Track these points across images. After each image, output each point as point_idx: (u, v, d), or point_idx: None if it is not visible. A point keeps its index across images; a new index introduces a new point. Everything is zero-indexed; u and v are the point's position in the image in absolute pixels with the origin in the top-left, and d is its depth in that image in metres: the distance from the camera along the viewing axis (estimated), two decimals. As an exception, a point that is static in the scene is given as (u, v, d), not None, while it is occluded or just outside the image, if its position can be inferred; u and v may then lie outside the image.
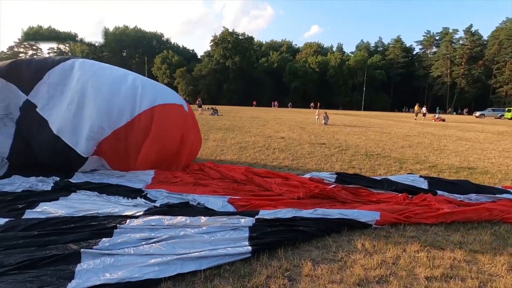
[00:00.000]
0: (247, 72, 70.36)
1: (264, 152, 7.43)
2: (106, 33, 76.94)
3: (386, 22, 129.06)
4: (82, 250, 2.25)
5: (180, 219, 2.82)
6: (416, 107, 29.85)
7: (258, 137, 10.37)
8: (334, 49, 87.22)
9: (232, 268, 2.22)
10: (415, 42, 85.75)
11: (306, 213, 3.05)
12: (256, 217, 2.94)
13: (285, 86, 73.79)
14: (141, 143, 4.46)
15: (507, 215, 3.24)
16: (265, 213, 3.04)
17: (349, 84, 75.95)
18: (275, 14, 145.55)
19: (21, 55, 72.61)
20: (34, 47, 74.32)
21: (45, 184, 3.80)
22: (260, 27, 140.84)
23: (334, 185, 4.00)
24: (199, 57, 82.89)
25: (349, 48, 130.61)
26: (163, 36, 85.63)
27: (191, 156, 5.44)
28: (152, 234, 2.57)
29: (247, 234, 2.60)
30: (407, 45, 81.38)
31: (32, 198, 3.34)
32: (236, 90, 68.50)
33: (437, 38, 77.43)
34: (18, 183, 3.75)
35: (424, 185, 4.02)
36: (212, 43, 71.70)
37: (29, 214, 2.97)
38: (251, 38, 74.51)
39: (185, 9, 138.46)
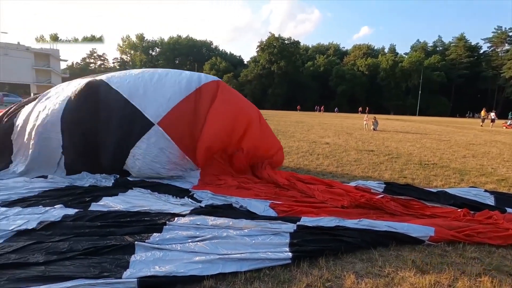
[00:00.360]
0: (292, 76, 70.09)
1: (307, 157, 7.32)
2: (162, 42, 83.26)
3: (446, 19, 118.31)
4: (136, 242, 2.47)
5: (223, 220, 2.93)
6: (482, 112, 26.58)
7: (302, 142, 10.24)
8: (386, 50, 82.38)
9: (272, 272, 2.24)
10: (482, 39, 76.49)
11: (350, 223, 2.93)
12: (298, 223, 2.91)
13: (331, 90, 71.78)
14: (208, 107, 4.82)
15: None
16: (307, 220, 2.99)
17: (402, 87, 70.96)
18: (322, 17, 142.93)
19: (91, 65, 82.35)
20: (102, 58, 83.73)
21: (107, 180, 4.25)
22: (307, 31, 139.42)
23: (382, 195, 3.77)
24: (245, 62, 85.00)
25: (403, 49, 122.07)
26: (212, 44, 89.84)
27: (254, 153, 5.24)
28: (197, 233, 2.70)
29: (288, 240, 2.59)
30: (472, 44, 73.26)
31: (97, 192, 3.75)
32: (280, 95, 68.60)
33: (510, 34, 68.20)
34: (86, 179, 4.25)
35: (490, 200, 3.57)
36: (258, 48, 73.06)
37: (94, 207, 3.34)
38: (297, 43, 74.17)
39: (234, 17, 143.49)
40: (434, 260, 2.49)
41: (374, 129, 16.37)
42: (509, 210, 3.32)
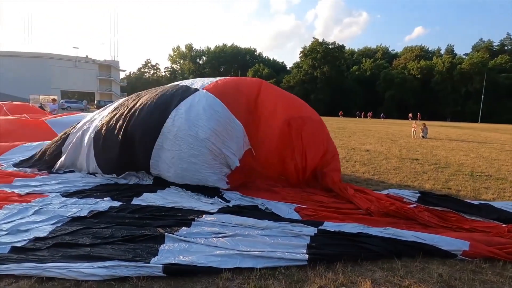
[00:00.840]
0: (336, 81, 68.16)
1: (343, 164, 7.13)
2: (208, 51, 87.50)
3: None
4: (166, 234, 2.73)
5: (247, 220, 3.07)
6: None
7: (340, 148, 9.97)
8: (442, 51, 75.92)
9: (287, 272, 2.30)
10: (563, 35, 66.26)
11: (374, 230, 2.86)
12: (320, 227, 2.93)
13: (378, 95, 68.12)
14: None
15: None
16: (329, 225, 2.99)
17: (461, 92, 64.42)
18: (371, 20, 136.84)
19: (145, 74, 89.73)
20: (155, 67, 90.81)
21: (149, 179, 4.67)
22: (354, 34, 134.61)
23: (415, 205, 3.57)
24: (288, 68, 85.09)
25: (463, 49, 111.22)
26: (256, 51, 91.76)
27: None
28: (221, 230, 2.88)
29: (307, 243, 2.63)
30: (550, 40, 63.87)
31: (139, 189, 4.17)
32: (323, 100, 67.03)
33: None
34: (130, 177, 4.73)
35: None
36: (301, 54, 72.65)
37: (135, 201, 3.73)
38: (342, 47, 72.10)
39: (277, 24, 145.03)
40: (465, 276, 2.32)
41: (423, 137, 15.21)
42: None
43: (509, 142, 14.58)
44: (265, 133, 4.60)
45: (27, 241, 2.59)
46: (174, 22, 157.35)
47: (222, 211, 3.38)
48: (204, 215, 3.22)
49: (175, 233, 2.78)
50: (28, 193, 3.84)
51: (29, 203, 3.45)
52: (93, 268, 2.17)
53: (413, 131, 15.99)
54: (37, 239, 2.64)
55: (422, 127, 15.74)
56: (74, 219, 3.10)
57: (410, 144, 12.06)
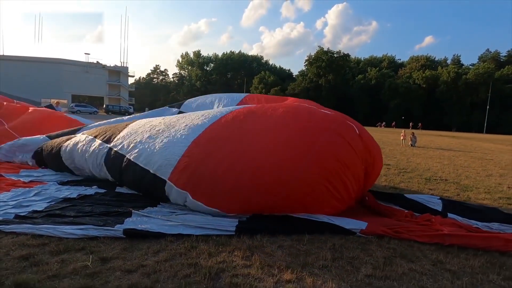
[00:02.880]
0: (341, 89, 68.85)
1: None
2: (216, 58, 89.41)
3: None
4: (133, 211, 3.51)
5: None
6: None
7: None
8: (449, 61, 75.94)
9: (217, 238, 3.04)
10: None
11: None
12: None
13: (383, 104, 68.41)
14: None
15: (529, 249, 2.92)
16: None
17: (467, 102, 64.26)
18: (380, 28, 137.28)
19: (154, 80, 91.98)
20: (164, 73, 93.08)
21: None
22: (363, 42, 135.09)
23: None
24: (294, 76, 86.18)
25: (470, 59, 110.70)
26: (263, 58, 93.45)
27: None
28: (178, 211, 3.64)
29: (237, 223, 3.34)
30: (558, 52, 63.38)
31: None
32: (328, 108, 67.61)
33: None
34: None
35: (439, 207, 3.83)
36: (306, 62, 73.75)
37: (118, 189, 4.53)
38: (347, 55, 73.01)
39: (286, 32, 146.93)
40: (353, 245, 3.01)
41: (411, 145, 15.75)
42: (451, 215, 3.58)
43: (496, 152, 15.01)
44: None
45: (27, 212, 3.42)
46: (183, 29, 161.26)
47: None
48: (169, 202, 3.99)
49: (140, 210, 3.56)
50: (31, 181, 4.70)
51: (31, 188, 4.30)
52: (72, 229, 2.96)
53: (402, 139, 16.55)
54: (34, 211, 3.47)
55: (411, 136, 16.30)
56: (65, 200, 3.92)
57: (393, 152, 12.66)
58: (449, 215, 3.58)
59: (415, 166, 8.85)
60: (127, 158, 4.23)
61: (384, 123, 53.58)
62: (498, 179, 7.40)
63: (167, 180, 3.76)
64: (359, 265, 2.64)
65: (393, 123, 55.40)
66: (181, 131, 4.25)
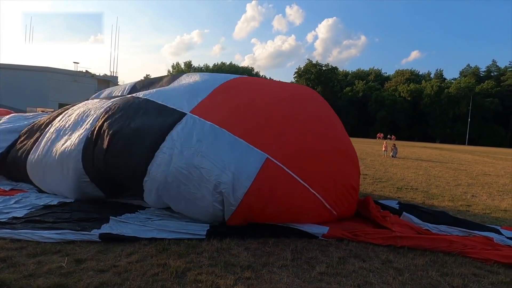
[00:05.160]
0: (329, 101, 69.03)
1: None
2: (207, 69, 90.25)
3: (502, 42, 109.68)
4: (111, 217, 3.70)
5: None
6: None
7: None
8: (432, 75, 78.95)
9: (189, 242, 3.27)
10: (545, 63, 69.55)
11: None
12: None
13: (370, 115, 70.26)
14: None
15: (469, 249, 3.26)
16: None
17: (449, 114, 66.73)
18: (369, 42, 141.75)
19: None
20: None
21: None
22: (352, 55, 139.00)
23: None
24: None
25: (452, 74, 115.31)
26: (253, 70, 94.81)
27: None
28: (153, 218, 3.86)
29: (208, 227, 3.58)
30: (533, 68, 66.99)
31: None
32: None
33: None
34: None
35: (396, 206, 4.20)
36: (296, 74, 75.38)
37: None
38: (335, 68, 75.12)
39: (278, 44, 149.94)
40: (313, 247, 3.30)
41: (392, 156, 16.33)
42: (407, 214, 3.95)
43: (471, 163, 15.72)
44: None
45: (7, 218, 3.57)
46: (175, 39, 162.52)
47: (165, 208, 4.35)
48: (151, 208, 4.19)
49: (118, 216, 3.75)
50: (12, 189, 4.82)
51: (11, 196, 4.43)
52: (49, 234, 3.14)
53: (384, 150, 17.14)
54: (14, 218, 3.62)
55: (392, 147, 16.91)
56: (46, 207, 4.08)
57: (373, 162, 13.14)
58: (405, 214, 3.94)
59: (390, 176, 9.28)
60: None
61: (382, 134, 54.33)
62: (465, 188, 7.87)
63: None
64: (315, 264, 2.91)
65: (381, 135, 56.19)
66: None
